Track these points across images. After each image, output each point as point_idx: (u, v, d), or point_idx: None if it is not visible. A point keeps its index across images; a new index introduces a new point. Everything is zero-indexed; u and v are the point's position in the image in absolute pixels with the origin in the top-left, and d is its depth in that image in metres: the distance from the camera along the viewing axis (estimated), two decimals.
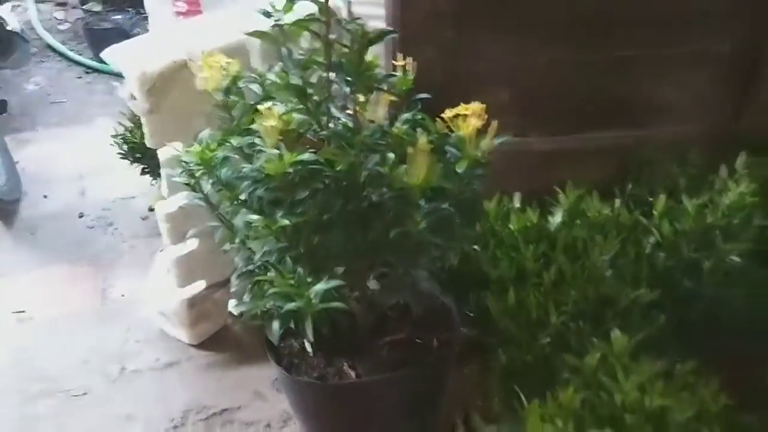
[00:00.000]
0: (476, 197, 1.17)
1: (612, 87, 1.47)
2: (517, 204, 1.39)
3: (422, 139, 0.97)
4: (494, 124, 1.00)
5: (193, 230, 1.46)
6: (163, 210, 1.46)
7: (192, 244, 1.50)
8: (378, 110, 1.08)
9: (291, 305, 0.88)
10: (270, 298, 0.90)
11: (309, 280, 0.88)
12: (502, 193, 1.40)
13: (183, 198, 1.25)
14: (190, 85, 1.10)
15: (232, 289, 1.14)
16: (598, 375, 1.01)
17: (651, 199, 1.34)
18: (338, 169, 0.96)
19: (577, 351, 1.08)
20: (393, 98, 1.08)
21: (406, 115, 1.10)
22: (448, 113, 1.01)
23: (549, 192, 1.41)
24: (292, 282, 0.88)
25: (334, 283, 0.89)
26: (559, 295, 1.17)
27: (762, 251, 1.28)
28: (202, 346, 1.58)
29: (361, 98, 1.05)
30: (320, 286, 0.87)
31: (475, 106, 1.01)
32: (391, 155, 1.00)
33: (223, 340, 1.60)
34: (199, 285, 1.55)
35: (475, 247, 1.33)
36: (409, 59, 1.13)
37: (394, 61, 1.14)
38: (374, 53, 1.05)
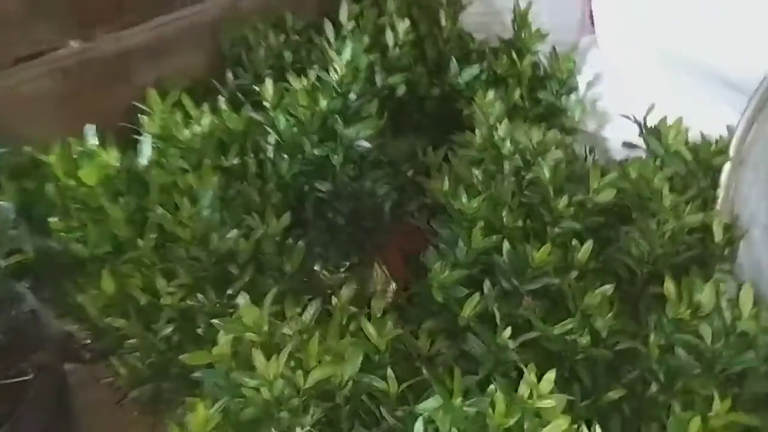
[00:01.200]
0: None
1: None
2: (94, 142, 1.01)
3: None
4: None
5: None
6: None
7: None
8: None
9: None
10: None
11: None
12: (70, 132, 1.01)
13: None
14: None
15: None
16: (232, 368, 0.76)
17: (257, 88, 1.04)
18: None
19: (207, 335, 0.81)
20: None
21: None
22: None
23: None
24: None
25: None
26: (167, 264, 0.87)
27: (398, 120, 1.10)
28: None
29: None
30: None
31: None
32: None
33: None
34: None
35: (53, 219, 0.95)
36: None
37: None
38: None
